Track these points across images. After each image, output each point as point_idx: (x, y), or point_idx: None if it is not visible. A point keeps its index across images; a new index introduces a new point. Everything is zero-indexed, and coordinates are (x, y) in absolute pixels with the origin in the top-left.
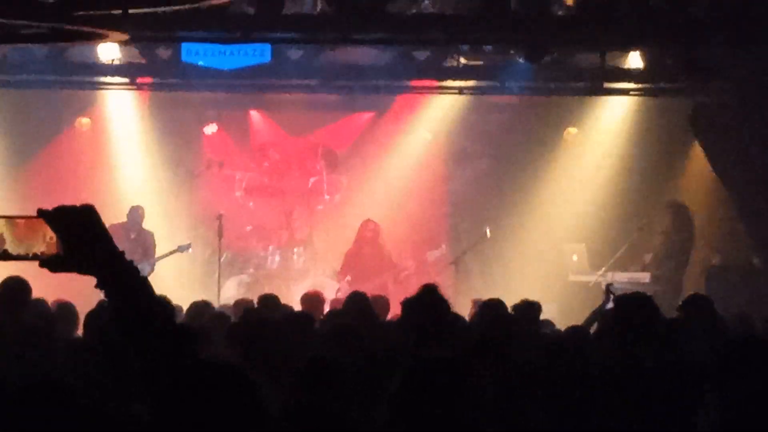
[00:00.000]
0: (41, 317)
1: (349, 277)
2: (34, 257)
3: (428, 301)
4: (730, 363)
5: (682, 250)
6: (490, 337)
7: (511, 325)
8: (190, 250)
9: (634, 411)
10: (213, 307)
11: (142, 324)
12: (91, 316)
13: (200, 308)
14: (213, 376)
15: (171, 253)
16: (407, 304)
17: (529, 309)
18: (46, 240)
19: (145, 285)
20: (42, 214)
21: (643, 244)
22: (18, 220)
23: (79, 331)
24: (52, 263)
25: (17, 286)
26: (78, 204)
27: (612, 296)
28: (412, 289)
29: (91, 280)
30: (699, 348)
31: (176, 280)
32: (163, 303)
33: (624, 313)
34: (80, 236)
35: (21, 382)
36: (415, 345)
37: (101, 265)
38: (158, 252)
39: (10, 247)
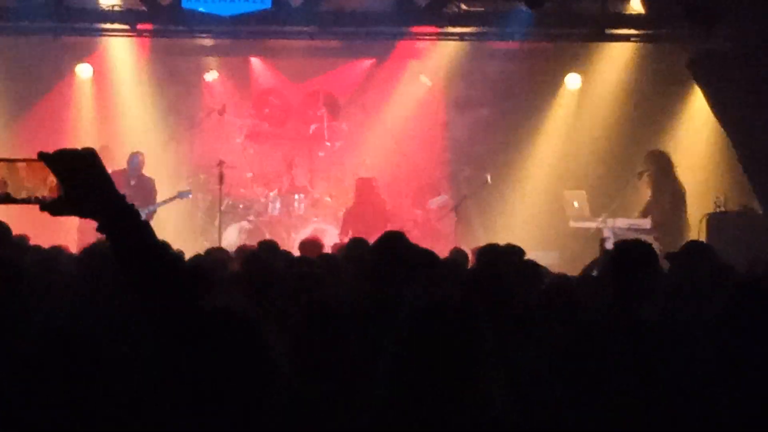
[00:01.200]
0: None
1: (351, 234)
2: (36, 201)
3: (389, 247)
4: (739, 305)
5: (673, 196)
6: (486, 281)
7: (509, 270)
8: (190, 196)
9: (627, 361)
10: (226, 252)
11: (144, 267)
12: (87, 253)
13: (215, 254)
14: (219, 321)
15: (171, 199)
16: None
17: (512, 254)
18: (47, 183)
19: (146, 228)
20: (43, 157)
21: (643, 191)
22: (19, 164)
23: None
24: (53, 207)
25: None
26: (79, 147)
27: (605, 250)
28: (414, 239)
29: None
30: (699, 295)
31: (177, 227)
32: (165, 247)
33: (622, 259)
34: (81, 179)
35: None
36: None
37: (102, 208)
38: (159, 198)
39: (12, 190)
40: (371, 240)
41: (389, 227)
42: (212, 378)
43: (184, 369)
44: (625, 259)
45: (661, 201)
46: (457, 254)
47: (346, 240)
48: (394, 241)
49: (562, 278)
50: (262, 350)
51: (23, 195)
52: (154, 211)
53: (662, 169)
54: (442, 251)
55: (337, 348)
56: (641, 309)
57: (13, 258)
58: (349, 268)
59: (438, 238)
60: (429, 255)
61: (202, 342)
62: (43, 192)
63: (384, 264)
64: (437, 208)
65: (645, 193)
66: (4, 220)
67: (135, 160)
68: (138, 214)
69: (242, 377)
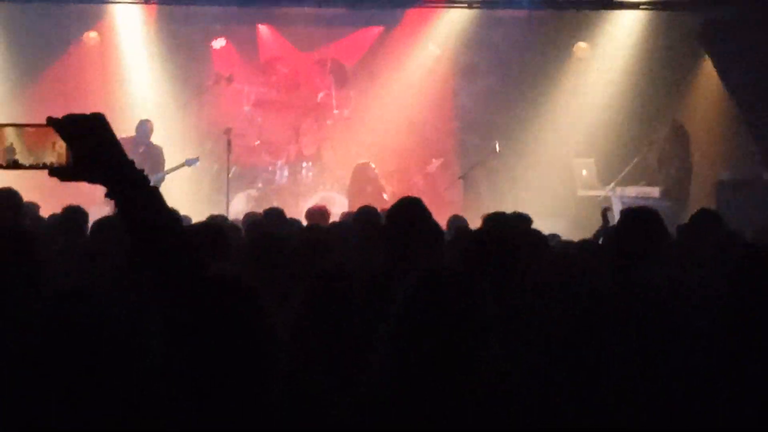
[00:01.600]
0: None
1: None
2: (44, 166)
3: (405, 213)
4: (744, 272)
5: (680, 161)
6: (491, 246)
7: (515, 238)
8: (198, 163)
9: (629, 326)
10: (228, 220)
11: (152, 233)
12: (99, 224)
13: (214, 221)
14: (216, 288)
15: (179, 166)
16: (387, 216)
17: (519, 221)
18: (55, 149)
19: (155, 195)
20: (52, 122)
21: (650, 159)
22: (28, 129)
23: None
24: (61, 172)
25: (8, 194)
26: (88, 113)
27: (608, 221)
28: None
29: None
30: (707, 262)
31: (185, 195)
32: (174, 213)
33: (628, 226)
34: (90, 145)
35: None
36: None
37: (111, 174)
38: (167, 166)
39: (20, 156)
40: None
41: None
42: (209, 346)
43: (184, 336)
44: (632, 225)
45: (664, 171)
46: (456, 220)
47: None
48: (412, 207)
49: (566, 245)
50: (259, 319)
51: (32, 161)
52: (162, 179)
53: (679, 142)
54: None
55: (343, 316)
56: (646, 275)
57: (23, 225)
58: (358, 235)
59: (446, 206)
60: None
61: (200, 309)
62: (51, 157)
63: (399, 230)
64: (442, 172)
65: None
66: (15, 186)
67: (144, 128)
68: (147, 181)
69: (239, 346)
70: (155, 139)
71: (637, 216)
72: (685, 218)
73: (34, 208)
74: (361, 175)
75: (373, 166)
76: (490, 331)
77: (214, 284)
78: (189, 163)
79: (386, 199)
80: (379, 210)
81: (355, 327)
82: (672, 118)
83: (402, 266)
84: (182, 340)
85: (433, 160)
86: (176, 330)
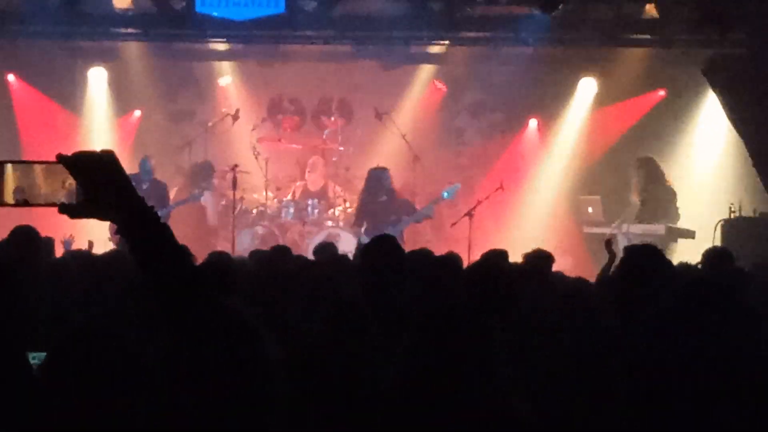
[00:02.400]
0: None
1: (365, 226)
2: (54, 204)
3: (382, 250)
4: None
5: (660, 201)
6: (495, 286)
7: (514, 276)
8: (203, 198)
9: (633, 364)
10: (231, 258)
11: (162, 270)
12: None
13: (220, 258)
14: (223, 323)
15: (184, 201)
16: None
17: (539, 259)
18: (65, 186)
19: (166, 231)
20: (62, 159)
21: (658, 195)
22: (37, 166)
23: None
24: (72, 209)
25: (28, 232)
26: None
27: (614, 252)
28: (427, 243)
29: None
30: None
31: (191, 233)
32: (184, 250)
33: (630, 263)
34: (101, 182)
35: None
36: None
37: (122, 211)
38: (171, 202)
39: (30, 194)
40: (385, 230)
41: (405, 219)
42: (210, 379)
43: (186, 368)
44: (634, 262)
45: (649, 207)
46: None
47: (359, 231)
48: (383, 244)
49: (578, 282)
50: (260, 354)
51: (42, 198)
52: (167, 214)
53: (650, 174)
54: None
55: (357, 348)
56: (648, 313)
57: (36, 260)
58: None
59: (452, 241)
60: (423, 255)
61: (202, 342)
62: (61, 194)
63: (373, 267)
64: (450, 208)
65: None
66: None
67: (146, 165)
68: (158, 217)
69: (238, 379)
70: (161, 176)
71: (639, 253)
72: (692, 255)
73: (50, 243)
74: (376, 181)
75: (389, 173)
76: (496, 365)
77: (216, 317)
78: (194, 197)
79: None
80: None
81: (367, 359)
82: (636, 158)
83: (385, 300)
84: (188, 375)
85: (447, 187)
86: (182, 363)
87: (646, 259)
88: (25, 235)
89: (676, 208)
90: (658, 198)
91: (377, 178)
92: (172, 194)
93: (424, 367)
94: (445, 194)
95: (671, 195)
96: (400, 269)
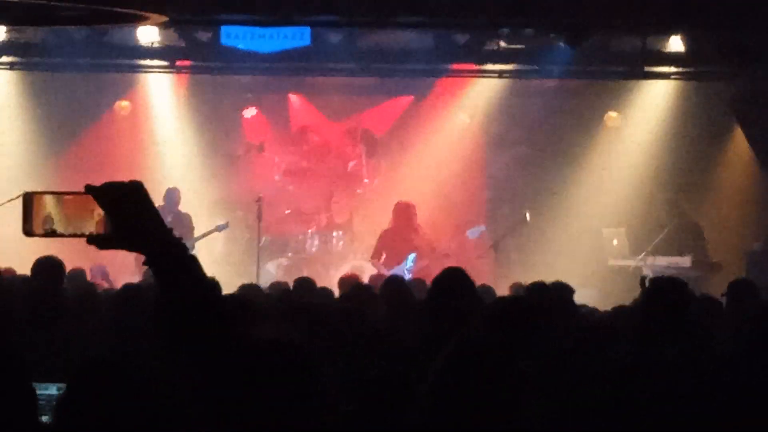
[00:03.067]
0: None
1: (384, 256)
2: (82, 235)
3: (449, 284)
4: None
5: (692, 237)
6: (523, 320)
7: (545, 309)
8: (228, 228)
9: (656, 398)
10: (261, 290)
11: (192, 301)
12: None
13: (249, 290)
14: (271, 353)
15: (209, 232)
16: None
17: (562, 291)
18: (93, 217)
19: (194, 263)
20: (90, 190)
21: (683, 229)
22: (66, 197)
23: None
24: (100, 240)
25: (53, 263)
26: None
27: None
28: None
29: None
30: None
31: (216, 264)
32: (213, 282)
33: (656, 296)
34: (129, 213)
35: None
36: (443, 328)
37: (150, 242)
38: (196, 233)
39: (58, 225)
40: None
41: (425, 258)
42: (263, 411)
43: (232, 403)
44: (659, 295)
45: (676, 239)
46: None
47: (377, 262)
48: (456, 279)
49: (598, 315)
50: (314, 382)
51: (70, 229)
52: (193, 246)
53: (676, 210)
54: None
55: (385, 381)
56: (672, 347)
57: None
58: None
59: (477, 275)
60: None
61: (253, 374)
62: (90, 225)
63: (443, 302)
64: (475, 240)
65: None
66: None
67: (172, 196)
68: (185, 248)
69: (294, 408)
70: (187, 208)
71: (664, 286)
72: (716, 288)
73: (82, 274)
74: (403, 216)
75: (414, 209)
76: (522, 400)
77: (262, 348)
78: (219, 228)
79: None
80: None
81: (396, 393)
82: (664, 197)
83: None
84: (218, 409)
85: (472, 228)
86: (211, 397)
87: (672, 292)
88: (48, 267)
89: (704, 241)
90: (686, 231)
91: (401, 211)
92: (196, 226)
93: (450, 401)
94: (470, 234)
95: (698, 229)
96: (473, 307)
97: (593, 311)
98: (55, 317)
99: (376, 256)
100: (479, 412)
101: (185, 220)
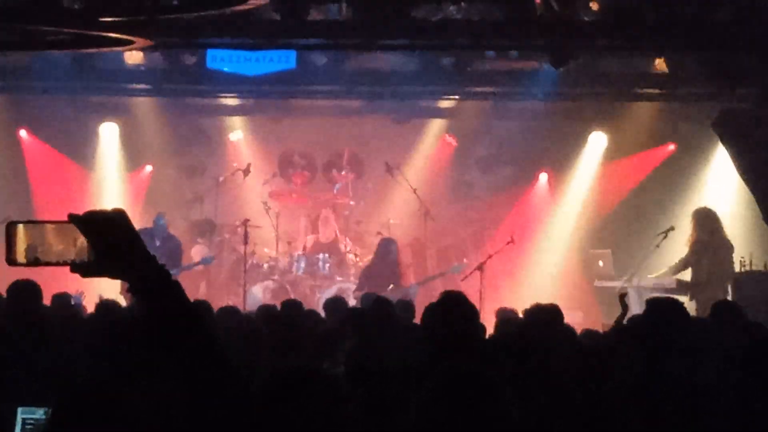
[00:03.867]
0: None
1: (366, 290)
2: (65, 263)
3: (447, 309)
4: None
5: (717, 254)
6: (508, 346)
7: (528, 333)
8: (213, 261)
9: (655, 421)
10: (240, 313)
11: (176, 328)
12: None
13: (228, 314)
14: (303, 380)
15: (195, 265)
16: (426, 311)
17: (542, 313)
18: (77, 245)
19: (177, 290)
20: (73, 218)
21: (668, 250)
22: (48, 225)
23: None
24: (83, 268)
25: (28, 288)
26: (109, 209)
27: (627, 305)
28: (434, 294)
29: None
30: (727, 355)
31: (201, 287)
32: (196, 307)
33: (654, 316)
34: (112, 241)
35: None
36: (434, 353)
37: (134, 269)
38: (184, 259)
39: (41, 254)
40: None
41: (406, 290)
42: None
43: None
44: (657, 315)
45: (703, 260)
46: None
47: (358, 295)
48: (456, 304)
49: (593, 336)
50: (344, 410)
51: (53, 257)
52: (177, 275)
53: (709, 227)
54: None
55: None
56: (671, 367)
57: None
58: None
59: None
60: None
61: (216, 400)
62: (72, 253)
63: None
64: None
65: (672, 249)
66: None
67: (160, 221)
68: (169, 275)
69: None
70: (174, 231)
71: (662, 306)
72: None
73: (66, 298)
74: (385, 252)
75: (396, 246)
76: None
77: (293, 375)
78: (205, 261)
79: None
80: (397, 288)
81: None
82: (697, 209)
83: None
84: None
85: (454, 265)
86: (198, 422)
87: (671, 312)
88: (24, 290)
89: (731, 261)
90: (717, 250)
91: (385, 248)
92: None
93: (436, 425)
94: (451, 270)
95: (729, 248)
96: (475, 331)
97: (593, 334)
98: (37, 339)
99: (359, 289)
100: None
101: (174, 245)
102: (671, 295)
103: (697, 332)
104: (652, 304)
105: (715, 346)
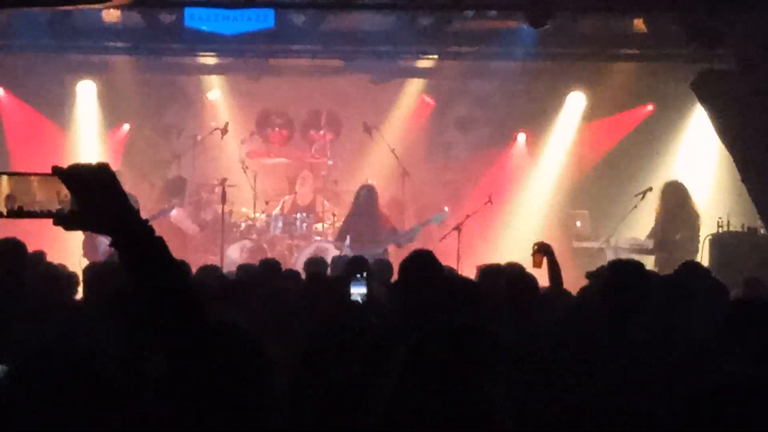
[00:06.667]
0: (44, 277)
1: (348, 241)
2: (48, 214)
3: (419, 265)
4: (733, 325)
5: (685, 226)
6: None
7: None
8: (174, 212)
9: (619, 381)
10: (220, 271)
11: (157, 282)
12: (92, 275)
13: (208, 272)
14: (226, 337)
15: (154, 217)
16: (401, 268)
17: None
18: (60, 197)
19: (161, 245)
20: (57, 171)
21: (646, 210)
22: (32, 177)
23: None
24: (66, 221)
25: (12, 247)
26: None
27: (554, 262)
28: None
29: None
30: (695, 316)
31: (178, 246)
32: (179, 263)
33: (613, 278)
34: (95, 194)
35: (32, 346)
36: (415, 310)
37: (117, 223)
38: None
39: (24, 205)
40: (368, 248)
41: (387, 241)
42: (212, 394)
43: (187, 384)
44: (617, 278)
45: (671, 231)
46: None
47: (341, 244)
48: (424, 262)
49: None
50: (263, 370)
51: (36, 209)
52: None
53: (679, 201)
54: None
55: (344, 371)
56: (632, 327)
57: (21, 275)
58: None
59: (440, 255)
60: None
61: (207, 356)
62: (56, 206)
63: (411, 284)
64: (438, 226)
65: (650, 210)
66: (19, 235)
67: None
68: (152, 230)
69: (243, 394)
70: (149, 189)
71: (621, 269)
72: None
73: (40, 256)
74: (366, 200)
75: (376, 192)
76: (491, 386)
77: (219, 333)
78: (164, 212)
79: (392, 224)
80: (381, 235)
81: (355, 382)
82: (666, 182)
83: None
84: (185, 389)
85: (436, 215)
86: (179, 379)
87: (630, 274)
88: (11, 247)
89: (699, 234)
90: (685, 222)
91: (365, 195)
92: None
93: (414, 392)
94: (433, 220)
95: (696, 221)
96: (441, 287)
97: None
98: (16, 298)
99: (340, 238)
100: (440, 403)
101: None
102: (647, 256)
103: (660, 293)
104: (612, 266)
105: (679, 307)
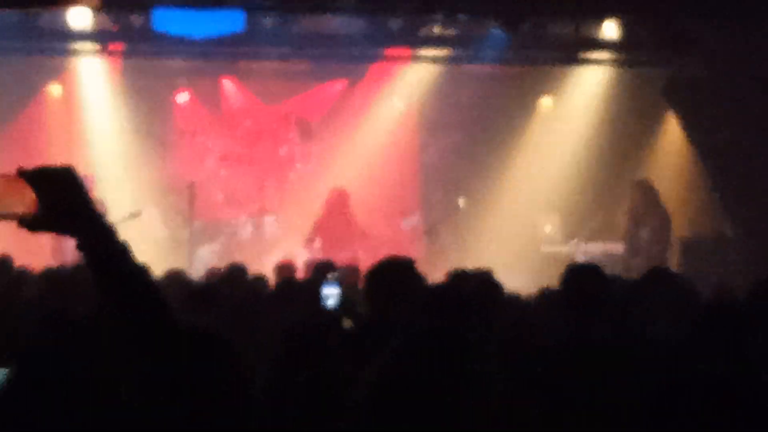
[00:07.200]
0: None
1: (318, 243)
2: (13, 216)
3: (389, 271)
4: (698, 332)
5: (658, 227)
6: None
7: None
8: (139, 217)
9: (581, 384)
10: (188, 275)
11: (123, 286)
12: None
13: (175, 276)
14: (197, 342)
15: (122, 221)
16: (368, 274)
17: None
18: (25, 200)
19: (125, 248)
20: (22, 173)
21: (616, 215)
22: None
23: None
24: (31, 223)
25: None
26: (58, 164)
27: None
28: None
29: None
30: (659, 321)
31: (147, 249)
32: (144, 267)
33: (570, 284)
34: (61, 196)
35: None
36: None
37: (82, 225)
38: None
39: None
40: (338, 252)
41: (358, 243)
42: (184, 401)
43: (157, 389)
44: (573, 282)
45: (642, 232)
46: None
47: (311, 248)
48: (397, 268)
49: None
50: (235, 374)
51: (1, 211)
52: None
53: (649, 200)
54: None
55: (317, 372)
56: (592, 331)
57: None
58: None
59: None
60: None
61: (178, 362)
62: (20, 208)
63: (383, 293)
64: (409, 230)
65: (620, 216)
66: None
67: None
68: (116, 233)
69: (215, 400)
70: (117, 193)
71: (577, 273)
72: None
73: (8, 261)
74: (336, 204)
75: (348, 195)
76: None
77: (189, 337)
78: (132, 216)
79: (362, 229)
80: (351, 240)
81: (329, 384)
82: (636, 181)
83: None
84: (156, 395)
85: (407, 218)
86: (149, 385)
87: (586, 279)
88: None
89: (670, 235)
90: (657, 221)
91: (335, 199)
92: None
93: (394, 394)
94: (404, 224)
95: (668, 220)
96: (417, 294)
97: (517, 298)
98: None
99: (309, 242)
100: (420, 408)
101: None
102: (618, 261)
103: (625, 297)
104: (570, 272)
105: (642, 309)
